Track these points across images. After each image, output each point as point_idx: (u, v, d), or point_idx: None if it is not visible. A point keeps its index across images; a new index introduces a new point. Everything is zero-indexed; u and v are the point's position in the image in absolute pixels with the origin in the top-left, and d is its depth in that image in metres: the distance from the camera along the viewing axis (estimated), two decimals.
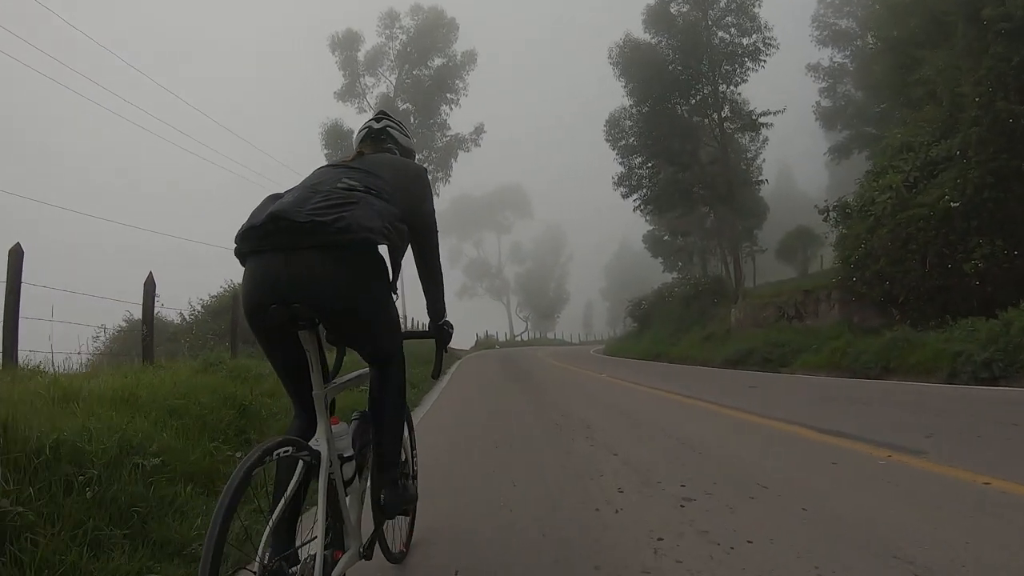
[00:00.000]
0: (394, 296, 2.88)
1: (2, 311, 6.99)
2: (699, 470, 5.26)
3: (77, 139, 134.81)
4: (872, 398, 9.61)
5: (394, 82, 43.24)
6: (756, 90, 34.21)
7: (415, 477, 3.84)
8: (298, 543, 2.44)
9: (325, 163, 3.08)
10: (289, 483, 2.29)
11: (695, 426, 7.77)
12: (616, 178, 36.68)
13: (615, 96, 37.12)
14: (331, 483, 2.48)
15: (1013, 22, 14.12)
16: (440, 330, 3.41)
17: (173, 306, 23.11)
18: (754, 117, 32.02)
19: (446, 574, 3.42)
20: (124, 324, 22.35)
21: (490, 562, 3.54)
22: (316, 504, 2.38)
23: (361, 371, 3.24)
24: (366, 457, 2.91)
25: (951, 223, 14.90)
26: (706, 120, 34.12)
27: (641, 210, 37.29)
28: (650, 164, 35.32)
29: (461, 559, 3.61)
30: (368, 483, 2.93)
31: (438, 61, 43.24)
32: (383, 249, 2.70)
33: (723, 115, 33.20)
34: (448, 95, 43.03)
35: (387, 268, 2.76)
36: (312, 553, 2.29)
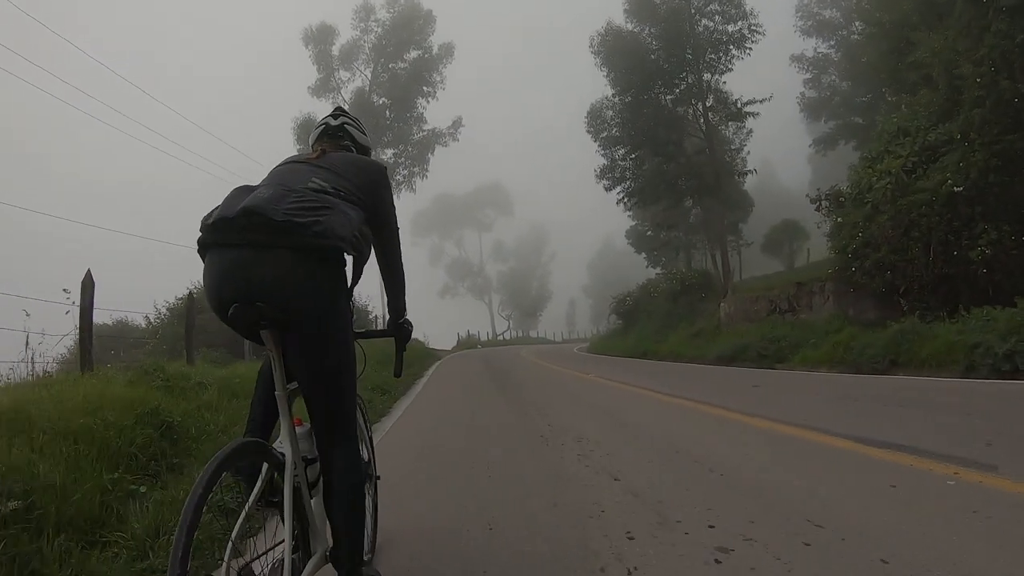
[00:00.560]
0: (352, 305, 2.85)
1: None
2: (727, 502, 4.14)
3: (39, 135, 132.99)
4: (899, 397, 8.60)
5: (369, 76, 42.17)
6: (739, 84, 33.65)
7: (379, 476, 3.91)
8: (265, 547, 2.38)
9: (287, 159, 2.99)
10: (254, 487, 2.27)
11: (705, 437, 6.66)
12: (598, 170, 35.90)
13: (598, 91, 36.41)
14: (297, 487, 2.42)
15: None
16: (400, 328, 3.32)
17: (140, 310, 22.53)
18: (739, 106, 31.07)
19: None
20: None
21: None
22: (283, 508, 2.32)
23: None
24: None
25: (955, 208, 14.18)
26: (690, 110, 33.29)
27: (625, 203, 36.30)
28: (633, 155, 34.43)
29: None
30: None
31: (414, 53, 42.23)
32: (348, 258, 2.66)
33: (708, 105, 32.36)
34: (424, 88, 41.94)
35: (347, 277, 2.70)
36: (279, 557, 2.27)
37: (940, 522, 3.48)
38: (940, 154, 15.58)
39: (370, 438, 3.75)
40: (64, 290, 9.22)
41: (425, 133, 42.81)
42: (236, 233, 2.35)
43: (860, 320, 16.45)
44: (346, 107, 36.06)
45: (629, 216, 47.46)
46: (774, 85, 30.47)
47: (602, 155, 35.92)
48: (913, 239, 14.79)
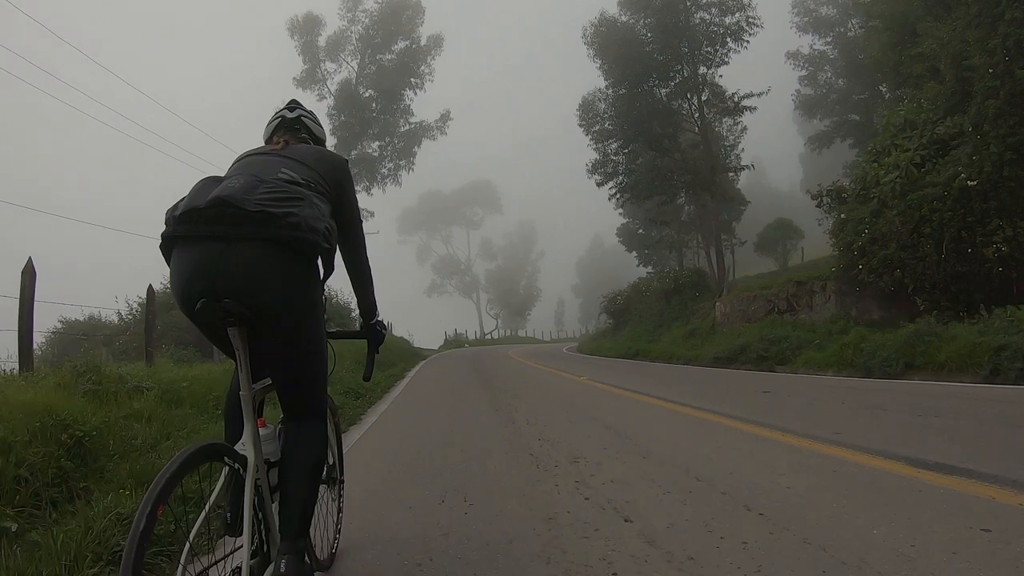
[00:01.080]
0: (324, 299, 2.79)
1: None
2: (781, 557, 3.09)
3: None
4: (936, 407, 7.59)
5: (356, 68, 41.08)
6: (733, 81, 32.68)
7: (343, 480, 3.85)
8: (224, 553, 2.31)
9: (249, 151, 2.90)
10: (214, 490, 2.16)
11: (725, 457, 5.46)
12: (590, 165, 34.87)
13: (590, 88, 35.55)
14: (259, 490, 2.36)
15: None
16: (372, 330, 3.25)
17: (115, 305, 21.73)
18: (736, 100, 30.14)
19: None
20: (60, 325, 20.98)
21: None
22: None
23: None
24: None
25: (968, 203, 13.43)
26: (685, 104, 32.36)
27: (617, 198, 35.31)
28: (627, 149, 33.52)
29: None
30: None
31: (402, 44, 41.12)
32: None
33: (703, 99, 31.40)
34: (412, 80, 40.89)
35: (319, 272, 2.59)
36: (237, 564, 2.18)
37: None
38: (950, 147, 14.95)
39: (339, 441, 3.76)
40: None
41: (412, 126, 41.76)
42: (206, 224, 2.27)
43: (863, 321, 15.82)
44: (332, 100, 35.38)
45: (620, 214, 46.97)
46: (767, 83, 29.66)
47: (594, 149, 35.02)
48: (924, 235, 14.08)
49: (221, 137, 28.35)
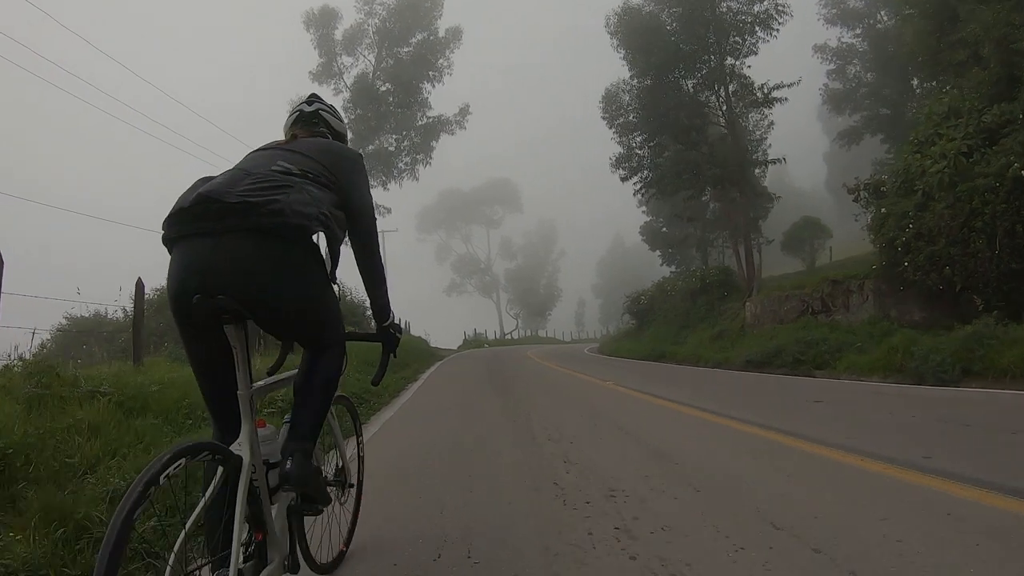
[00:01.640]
0: (335, 287, 2.77)
1: None
2: None
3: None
4: None
5: (373, 61, 40.27)
6: (758, 76, 31.63)
7: (354, 486, 3.70)
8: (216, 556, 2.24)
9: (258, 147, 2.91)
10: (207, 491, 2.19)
11: (811, 497, 4.21)
12: (614, 159, 33.78)
13: (613, 80, 34.59)
14: (255, 492, 2.35)
15: None
16: (387, 333, 3.11)
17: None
18: (767, 91, 29.01)
19: None
20: (65, 321, 20.59)
21: None
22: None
23: (287, 373, 3.01)
24: None
25: (1023, 195, 12.45)
26: (712, 96, 31.30)
27: (642, 194, 34.27)
28: (652, 143, 32.34)
29: None
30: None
31: (419, 36, 40.26)
32: (320, 239, 2.60)
33: (730, 91, 30.32)
34: (430, 72, 40.05)
35: (322, 258, 2.61)
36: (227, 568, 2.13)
37: None
38: (1000, 136, 13.97)
39: (360, 446, 3.88)
40: None
41: (430, 120, 40.90)
42: (193, 222, 2.29)
43: (904, 322, 14.82)
44: (348, 94, 34.67)
45: (643, 211, 46.33)
46: (793, 78, 28.62)
47: (617, 143, 33.91)
48: (975, 230, 13.11)
49: (237, 133, 27.82)
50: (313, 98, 3.27)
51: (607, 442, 6.84)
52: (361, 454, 3.92)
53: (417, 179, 41.07)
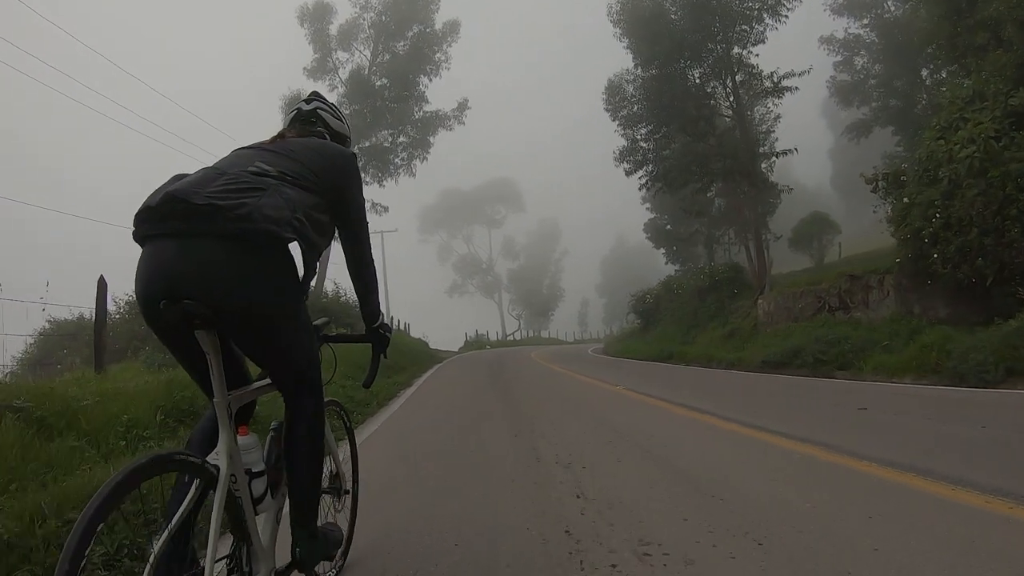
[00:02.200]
0: (305, 298, 2.62)
1: None
2: None
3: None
4: None
5: (369, 56, 39.32)
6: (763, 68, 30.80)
7: (349, 492, 3.62)
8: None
9: (240, 146, 2.79)
10: (181, 503, 2.09)
11: (921, 553, 3.12)
12: (618, 153, 32.63)
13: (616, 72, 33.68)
14: (237, 502, 2.31)
15: None
16: (376, 334, 3.11)
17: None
18: (776, 80, 28.02)
19: None
20: (47, 324, 19.72)
21: None
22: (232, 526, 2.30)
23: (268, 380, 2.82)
24: (282, 472, 2.68)
25: None
26: (719, 86, 30.34)
27: (648, 188, 33.23)
28: (658, 135, 31.21)
29: None
30: (285, 500, 2.67)
31: (416, 28, 39.22)
32: (295, 246, 2.45)
33: (737, 80, 29.32)
34: (427, 66, 39.03)
35: (295, 267, 2.46)
36: None
37: None
38: None
39: (354, 450, 3.79)
40: None
41: (427, 114, 39.97)
42: (159, 222, 2.23)
43: (928, 319, 13.99)
44: (343, 89, 33.89)
45: (648, 208, 45.84)
46: (800, 70, 27.79)
47: (621, 135, 32.78)
48: (1010, 218, 12.17)
49: (229, 130, 27.37)
50: (313, 96, 3.20)
51: (628, 467, 5.59)
52: (355, 457, 3.82)
53: (414, 175, 40.17)
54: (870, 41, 38.56)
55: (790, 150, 28.20)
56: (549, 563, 3.37)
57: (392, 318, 36.70)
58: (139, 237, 2.30)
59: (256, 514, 2.45)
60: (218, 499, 2.15)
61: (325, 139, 3.01)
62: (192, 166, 2.66)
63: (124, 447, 5.39)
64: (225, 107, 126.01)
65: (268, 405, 6.50)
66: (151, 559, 1.89)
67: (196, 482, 2.12)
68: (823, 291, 18.17)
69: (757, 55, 29.13)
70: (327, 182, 2.63)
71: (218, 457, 2.26)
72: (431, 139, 40.47)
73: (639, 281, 52.32)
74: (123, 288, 19.63)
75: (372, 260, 2.97)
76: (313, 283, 2.95)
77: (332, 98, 26.73)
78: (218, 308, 2.20)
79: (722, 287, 27.32)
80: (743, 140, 28.83)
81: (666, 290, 35.02)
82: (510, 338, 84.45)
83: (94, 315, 9.52)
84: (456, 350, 52.39)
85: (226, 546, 2.26)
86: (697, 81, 30.39)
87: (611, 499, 4.52)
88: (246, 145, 2.78)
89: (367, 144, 37.56)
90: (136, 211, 2.27)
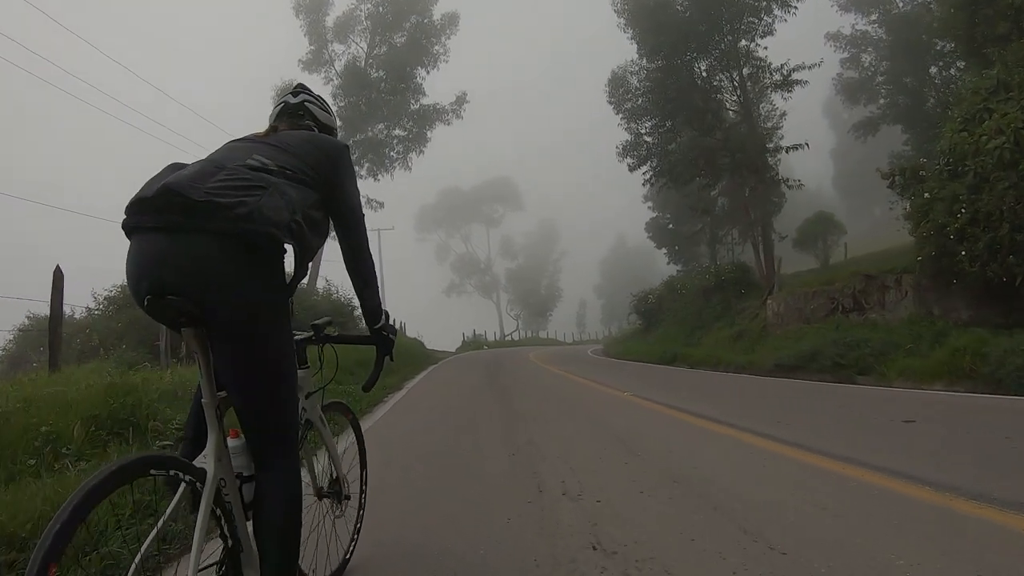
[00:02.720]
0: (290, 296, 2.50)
1: None
2: None
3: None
4: None
5: (365, 48, 38.52)
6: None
7: (350, 498, 3.44)
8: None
9: (234, 138, 2.70)
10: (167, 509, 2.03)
11: None
12: (621, 147, 31.90)
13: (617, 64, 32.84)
14: (226, 507, 2.21)
15: None
16: (380, 335, 2.96)
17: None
18: (785, 73, 27.17)
19: None
20: (27, 321, 19.58)
21: None
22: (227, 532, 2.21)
23: None
24: None
25: None
26: (726, 80, 29.50)
27: (651, 184, 32.45)
28: (663, 128, 30.38)
29: None
30: None
31: (414, 19, 38.44)
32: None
33: (744, 73, 28.53)
34: (425, 58, 38.31)
35: (284, 270, 2.36)
36: None
37: None
38: None
39: (362, 453, 3.76)
40: None
41: (424, 107, 39.16)
42: (153, 215, 2.12)
43: (949, 320, 13.25)
44: (338, 81, 33.19)
45: (649, 207, 45.57)
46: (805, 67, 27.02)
47: (625, 129, 32.03)
48: None
49: (220, 122, 26.88)
50: (299, 89, 3.08)
51: (655, 501, 4.48)
52: (364, 463, 3.79)
53: (410, 169, 39.34)
54: (878, 37, 37.79)
55: (800, 144, 27.31)
56: None
57: (395, 320, 35.91)
58: (128, 227, 2.20)
59: (248, 519, 2.34)
60: (204, 504, 2.06)
61: (313, 131, 2.92)
62: (176, 157, 2.45)
63: (32, 466, 4.51)
64: (213, 100, 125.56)
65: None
66: (131, 569, 1.81)
67: (182, 487, 2.03)
68: (836, 291, 17.30)
69: (766, 48, 28.40)
70: (322, 176, 2.53)
71: (206, 460, 2.18)
72: (428, 133, 39.77)
73: (638, 282, 51.82)
74: (103, 284, 19.22)
75: (370, 254, 2.82)
76: (305, 282, 2.58)
77: (327, 90, 26.22)
78: (205, 306, 2.12)
79: (728, 287, 26.45)
80: (751, 134, 27.98)
81: (669, 290, 34.21)
82: (508, 338, 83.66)
83: (50, 311, 8.63)
84: (453, 350, 51.57)
85: (216, 553, 2.15)
86: (704, 74, 29.57)
87: (636, 549, 3.48)
88: (242, 137, 2.67)
89: (361, 137, 36.84)
90: (129, 201, 2.17)
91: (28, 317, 19.44)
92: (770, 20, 27.84)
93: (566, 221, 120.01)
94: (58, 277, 8.55)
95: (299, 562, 2.40)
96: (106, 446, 5.20)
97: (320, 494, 3.21)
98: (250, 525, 2.34)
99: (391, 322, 3.03)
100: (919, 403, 9.02)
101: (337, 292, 26.78)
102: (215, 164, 2.27)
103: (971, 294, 12.99)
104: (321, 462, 3.29)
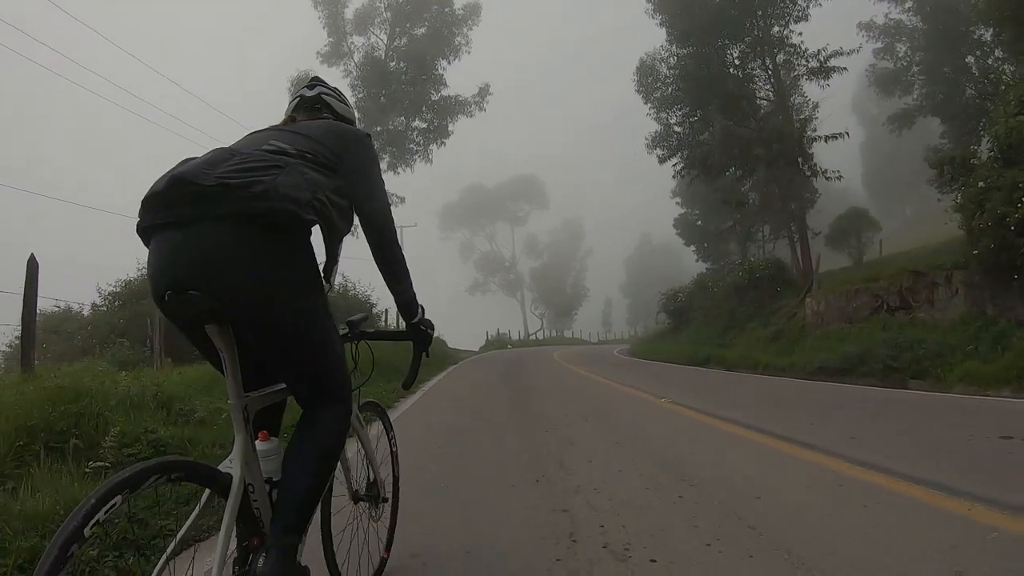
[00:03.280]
0: (327, 287, 2.46)
1: None
2: None
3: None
4: None
5: (385, 40, 37.89)
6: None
7: (388, 500, 3.36)
8: None
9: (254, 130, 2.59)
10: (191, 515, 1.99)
11: None
12: (650, 138, 30.92)
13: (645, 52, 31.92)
14: (255, 514, 2.09)
15: None
16: (417, 331, 2.80)
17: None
18: (822, 59, 26.08)
19: None
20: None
21: None
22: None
23: None
24: None
25: None
26: (759, 68, 28.46)
27: (682, 176, 31.43)
28: (694, 117, 29.40)
29: None
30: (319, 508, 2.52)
31: (435, 9, 37.69)
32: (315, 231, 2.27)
33: (778, 60, 27.49)
34: (446, 48, 37.53)
35: (314, 255, 2.23)
36: None
37: None
38: None
39: (394, 458, 3.58)
40: None
41: (446, 98, 38.31)
42: (165, 209, 2.01)
43: (1009, 319, 12.23)
44: (357, 73, 32.60)
45: (677, 203, 45.07)
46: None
47: (655, 119, 31.09)
48: None
49: (239, 117, 26.57)
50: (315, 82, 2.93)
51: (725, 558, 3.37)
52: (395, 464, 3.58)
53: (431, 162, 38.52)
54: (912, 26, 36.50)
55: (841, 133, 26.17)
56: None
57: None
58: (144, 228, 2.07)
59: None
60: (228, 510, 1.93)
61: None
62: (193, 153, 2.25)
63: None
64: (231, 94, 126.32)
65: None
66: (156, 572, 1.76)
67: (207, 493, 1.96)
68: (881, 289, 16.23)
69: (800, 34, 27.29)
70: (345, 164, 2.38)
71: (232, 465, 2.04)
72: (450, 126, 38.92)
73: (665, 281, 51.03)
74: (107, 279, 18.91)
75: (399, 247, 2.64)
76: (334, 277, 2.57)
77: (346, 83, 25.62)
78: (226, 300, 1.98)
79: (763, 285, 25.28)
80: (786, 124, 26.83)
81: (699, 288, 33.05)
82: (532, 338, 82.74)
83: (23, 308, 7.82)
84: (477, 349, 50.91)
85: (243, 560, 2.02)
86: (736, 61, 28.54)
87: None
88: (259, 129, 2.55)
89: (379, 129, 36.02)
90: (141, 199, 2.05)
91: (37, 314, 18.78)
92: (804, 3, 26.84)
93: (591, 219, 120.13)
94: (32, 267, 7.72)
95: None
96: (30, 466, 4.35)
97: (356, 497, 3.04)
98: None
99: (428, 318, 2.85)
100: (1005, 414, 7.93)
101: (355, 289, 26.11)
102: (229, 151, 2.16)
103: None
104: (356, 464, 3.12)
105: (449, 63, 38.09)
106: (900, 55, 37.97)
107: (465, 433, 8.58)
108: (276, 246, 2.04)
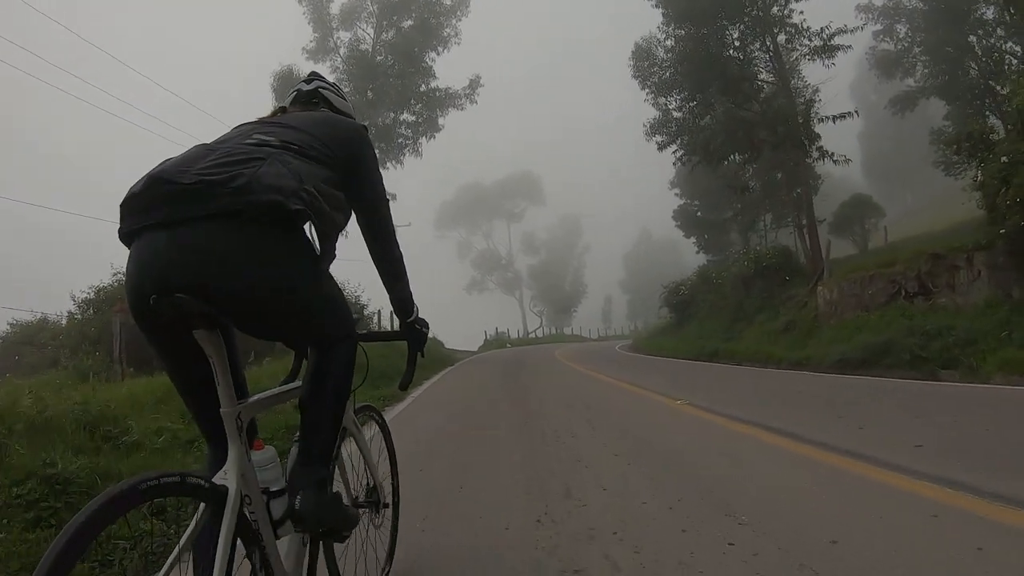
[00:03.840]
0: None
1: None
2: None
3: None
4: None
5: (372, 34, 37.12)
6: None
7: (388, 506, 3.29)
8: None
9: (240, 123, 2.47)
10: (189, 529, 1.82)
11: None
12: (649, 125, 30.31)
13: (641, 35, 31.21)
14: (253, 527, 1.96)
15: None
16: (411, 330, 2.75)
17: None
18: (825, 36, 25.18)
19: None
20: (8, 328, 19.93)
21: None
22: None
23: (291, 385, 2.58)
24: None
25: None
26: (759, 50, 27.56)
27: (682, 163, 30.63)
28: (694, 101, 28.56)
29: None
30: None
31: (422, 0, 36.91)
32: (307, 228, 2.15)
33: (779, 41, 26.63)
34: (434, 41, 36.70)
35: (311, 247, 2.12)
36: None
37: None
38: None
39: (393, 461, 3.53)
40: None
41: (435, 91, 37.51)
42: (144, 212, 1.91)
43: None
44: (343, 69, 31.88)
45: (676, 194, 44.63)
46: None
47: (652, 104, 30.47)
48: None
49: (221, 115, 25.75)
50: (313, 76, 2.86)
51: None
52: (395, 469, 3.50)
53: (420, 155, 37.74)
54: (912, 7, 35.81)
55: (849, 113, 25.37)
56: None
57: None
58: (125, 233, 1.97)
59: (277, 538, 2.08)
60: (226, 524, 1.79)
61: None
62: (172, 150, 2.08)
63: None
64: (214, 93, 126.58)
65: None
66: None
67: (202, 506, 1.80)
68: (898, 274, 15.41)
69: (802, 12, 26.37)
70: (339, 155, 2.28)
71: (226, 476, 1.91)
72: (440, 119, 38.22)
73: (664, 276, 50.55)
74: (79, 285, 18.37)
75: (397, 242, 2.58)
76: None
77: (333, 79, 25.10)
78: (220, 302, 1.89)
79: (770, 274, 24.37)
80: (790, 105, 25.99)
81: (703, 280, 32.33)
82: (531, 336, 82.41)
83: None
84: (475, 349, 50.38)
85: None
86: (736, 42, 27.69)
87: None
88: (244, 123, 2.40)
89: (367, 123, 34.63)
90: (120, 202, 1.95)
91: (10, 323, 19.59)
92: None
93: (589, 215, 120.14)
94: None
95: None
96: None
97: (356, 504, 2.86)
98: (282, 544, 2.09)
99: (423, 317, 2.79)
100: None
101: (345, 290, 25.38)
102: (209, 147, 2.07)
103: None
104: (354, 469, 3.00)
105: (438, 55, 37.46)
106: (900, 36, 37.36)
107: (456, 442, 7.58)
108: (264, 238, 1.93)
